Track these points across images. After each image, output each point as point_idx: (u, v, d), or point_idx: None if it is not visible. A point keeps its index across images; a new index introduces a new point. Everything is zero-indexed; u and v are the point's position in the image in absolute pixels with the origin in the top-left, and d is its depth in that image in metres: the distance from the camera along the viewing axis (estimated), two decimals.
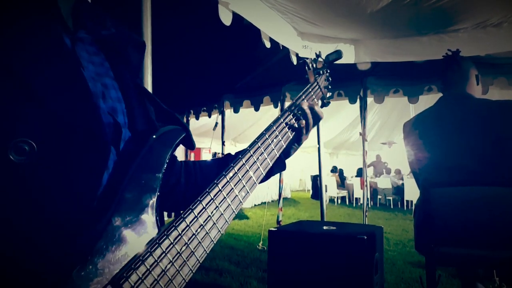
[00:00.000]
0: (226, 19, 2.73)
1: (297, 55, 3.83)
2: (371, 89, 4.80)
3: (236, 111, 5.85)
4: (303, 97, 1.00)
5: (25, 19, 0.63)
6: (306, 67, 1.11)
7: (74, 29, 0.74)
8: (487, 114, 2.08)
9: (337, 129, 12.25)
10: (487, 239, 1.92)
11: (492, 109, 2.08)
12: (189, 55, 4.50)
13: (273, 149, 0.85)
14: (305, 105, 0.95)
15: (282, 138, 0.89)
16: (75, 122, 0.62)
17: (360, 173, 11.99)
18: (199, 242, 0.66)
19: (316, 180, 12.30)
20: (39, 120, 0.58)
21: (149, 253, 0.59)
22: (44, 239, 0.57)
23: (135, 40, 0.85)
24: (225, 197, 0.72)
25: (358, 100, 4.85)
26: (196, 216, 0.66)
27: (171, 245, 0.62)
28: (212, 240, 0.68)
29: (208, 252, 0.68)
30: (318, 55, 1.13)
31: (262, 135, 0.85)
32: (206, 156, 12.91)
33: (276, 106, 5.36)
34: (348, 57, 4.07)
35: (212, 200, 0.69)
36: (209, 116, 6.76)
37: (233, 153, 0.91)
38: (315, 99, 1.04)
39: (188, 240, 0.64)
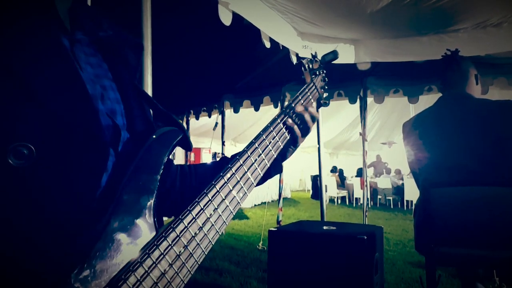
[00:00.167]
0: (226, 19, 2.73)
1: (297, 55, 3.82)
2: (371, 89, 4.80)
3: (236, 111, 5.85)
4: (300, 98, 1.00)
5: (23, 20, 0.62)
6: (303, 68, 1.11)
7: (72, 30, 0.74)
8: (487, 114, 2.08)
9: (337, 129, 12.25)
10: (487, 239, 1.92)
11: (492, 109, 2.08)
12: (189, 55, 4.50)
13: (271, 150, 0.85)
14: (299, 108, 0.95)
15: (279, 139, 0.89)
16: (74, 125, 0.62)
17: (360, 173, 11.99)
18: (198, 243, 0.66)
19: (316, 180, 12.30)
20: (37, 123, 0.58)
21: (147, 255, 0.59)
22: (43, 241, 0.57)
23: (132, 41, 0.85)
24: (223, 198, 0.72)
25: (358, 100, 4.85)
26: (194, 218, 0.66)
27: (169, 247, 0.62)
28: (210, 241, 0.68)
29: (206, 253, 0.67)
30: (314, 56, 1.13)
31: (259, 135, 0.85)
32: (206, 156, 12.91)
33: (276, 106, 5.36)
34: (348, 57, 4.07)
35: (210, 201, 0.69)
36: (209, 116, 6.76)
37: (231, 155, 0.91)
38: (312, 100, 1.04)
39: (186, 242, 0.64)
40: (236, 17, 2.82)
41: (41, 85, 0.60)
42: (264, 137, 0.85)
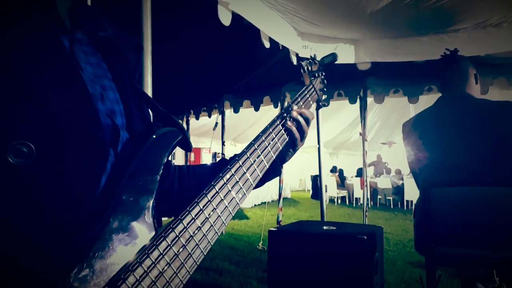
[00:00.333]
0: (225, 19, 2.73)
1: (297, 55, 3.83)
2: (371, 89, 4.80)
3: (236, 111, 5.85)
4: (299, 100, 1.00)
5: (23, 20, 0.62)
6: (302, 70, 1.12)
7: (71, 30, 0.74)
8: (486, 114, 2.08)
9: (337, 129, 12.25)
10: (487, 239, 1.92)
11: (492, 109, 2.08)
12: (189, 55, 4.50)
13: (270, 151, 0.86)
14: (298, 110, 0.95)
15: (278, 140, 0.89)
16: (74, 124, 0.62)
17: (360, 173, 11.99)
18: (197, 243, 0.66)
19: (316, 180, 12.30)
20: (37, 122, 0.58)
21: (146, 255, 0.59)
22: (43, 240, 0.57)
23: (132, 42, 0.85)
24: (222, 199, 0.72)
25: (358, 100, 4.85)
26: (193, 218, 0.66)
27: (169, 247, 0.62)
28: (209, 242, 0.68)
29: (205, 253, 0.67)
30: (313, 58, 1.14)
31: (258, 137, 0.85)
32: (206, 156, 12.91)
33: (276, 106, 5.37)
34: (348, 57, 4.07)
35: (209, 202, 0.69)
36: (209, 116, 6.77)
37: (231, 155, 0.91)
38: (311, 102, 1.04)
39: (185, 242, 0.64)
40: (235, 17, 2.82)
41: (41, 84, 0.60)
42: (263, 139, 0.85)
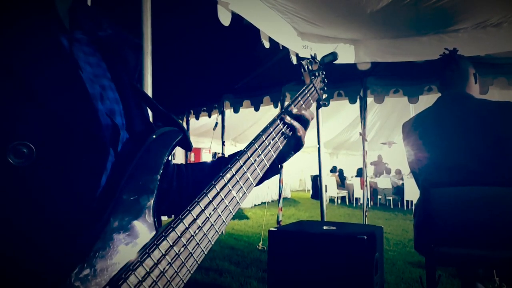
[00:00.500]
0: (225, 19, 2.73)
1: (297, 55, 3.83)
2: (371, 89, 4.80)
3: (236, 111, 5.85)
4: (299, 99, 1.00)
5: (23, 20, 0.62)
6: (302, 69, 1.11)
7: (71, 30, 0.74)
8: (486, 114, 2.08)
9: (337, 129, 12.26)
10: (487, 239, 1.92)
11: (492, 109, 2.08)
12: (189, 55, 4.51)
13: (270, 150, 0.86)
14: (298, 109, 0.95)
15: (278, 140, 0.89)
16: (73, 124, 0.62)
17: (360, 173, 11.99)
18: (197, 243, 0.66)
19: (316, 180, 12.31)
20: (37, 122, 0.58)
21: (147, 255, 0.59)
22: (43, 240, 0.57)
23: (132, 41, 0.85)
24: (223, 198, 0.72)
25: (358, 100, 4.85)
26: (194, 217, 0.66)
27: (170, 247, 0.62)
28: (210, 241, 0.68)
29: (206, 253, 0.68)
30: (313, 57, 1.14)
31: (259, 136, 0.85)
32: (206, 156, 12.91)
33: (276, 106, 5.37)
34: (348, 57, 4.07)
35: (210, 201, 0.69)
36: (209, 116, 6.77)
37: (229, 155, 0.91)
38: (311, 101, 1.04)
39: (186, 241, 0.64)
40: (235, 17, 2.82)
41: (41, 84, 0.60)
42: (264, 138, 0.85)
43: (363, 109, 4.79)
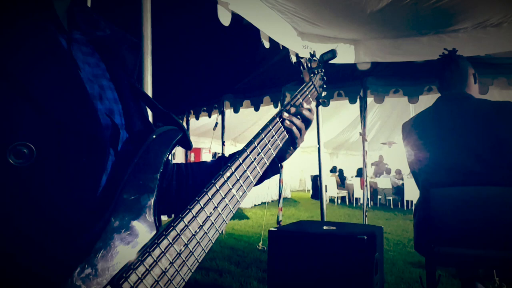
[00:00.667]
0: (225, 19, 2.73)
1: (297, 55, 3.83)
2: (371, 89, 4.80)
3: (236, 111, 5.85)
4: (299, 97, 1.00)
5: (21, 20, 0.62)
6: (301, 67, 1.11)
7: (69, 30, 0.74)
8: (486, 114, 2.08)
9: (337, 129, 12.26)
10: (487, 239, 1.92)
11: (491, 109, 2.08)
12: (189, 55, 4.52)
13: (270, 149, 0.86)
14: (298, 107, 0.95)
15: (278, 138, 0.89)
16: (73, 124, 0.62)
17: (360, 173, 11.99)
18: (198, 242, 0.66)
19: (316, 180, 12.31)
20: (37, 122, 0.58)
21: (148, 253, 0.60)
22: (44, 240, 0.57)
23: (130, 41, 0.85)
24: (223, 197, 0.72)
25: (358, 100, 4.85)
26: (194, 216, 0.66)
27: (170, 245, 0.62)
28: (211, 240, 0.69)
29: (206, 251, 0.68)
30: (312, 55, 1.14)
31: (258, 134, 0.85)
32: (206, 156, 12.91)
33: (276, 106, 5.37)
34: (348, 57, 4.07)
35: (209, 200, 0.69)
36: (209, 116, 6.77)
37: (229, 154, 0.91)
38: (311, 99, 1.04)
39: (186, 240, 0.64)
40: (235, 17, 2.82)
41: (40, 84, 0.60)
42: (263, 136, 0.85)
43: (363, 109, 4.79)
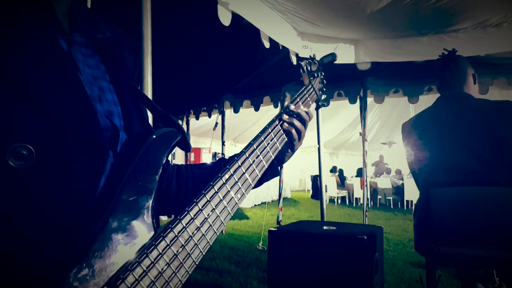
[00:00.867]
0: (225, 19, 2.73)
1: (297, 55, 3.83)
2: (371, 89, 4.80)
3: (236, 111, 5.85)
4: (298, 100, 1.00)
5: (21, 21, 0.62)
6: (301, 70, 1.12)
7: (69, 32, 0.74)
8: (486, 114, 2.07)
9: (337, 129, 12.26)
10: (487, 239, 1.92)
11: (491, 109, 2.08)
12: (189, 55, 4.52)
13: (269, 151, 0.86)
14: (297, 110, 0.95)
15: (277, 140, 0.89)
16: (72, 126, 0.62)
17: (360, 173, 11.99)
18: (196, 243, 0.66)
19: (316, 180, 12.31)
20: (37, 124, 0.58)
21: (145, 255, 0.59)
22: (43, 241, 0.57)
23: (130, 42, 0.85)
24: (221, 199, 0.72)
25: (358, 100, 4.85)
26: (192, 218, 0.66)
27: (168, 247, 0.62)
28: (208, 242, 0.68)
29: (204, 253, 0.68)
30: (312, 58, 1.14)
31: (257, 137, 0.85)
32: (206, 156, 12.92)
33: (276, 106, 5.37)
34: (348, 57, 4.07)
35: (208, 202, 0.69)
36: (209, 116, 6.77)
37: (231, 155, 0.91)
38: (310, 102, 1.04)
39: (184, 242, 0.64)
40: (235, 17, 2.82)
41: (40, 86, 0.60)
42: (262, 139, 0.85)
43: (363, 109, 4.79)
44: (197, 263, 0.66)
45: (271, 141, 0.87)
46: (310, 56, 1.15)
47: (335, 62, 1.18)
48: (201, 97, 6.35)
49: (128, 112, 0.77)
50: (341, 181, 12.82)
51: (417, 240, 2.17)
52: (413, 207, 2.80)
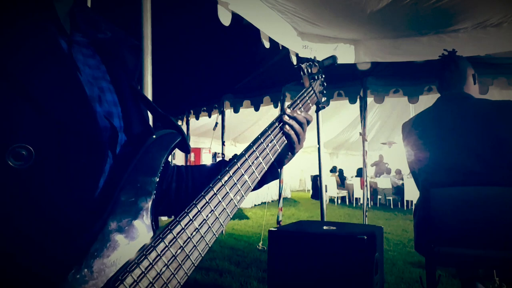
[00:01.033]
0: (225, 19, 2.73)
1: (297, 55, 3.83)
2: (371, 89, 4.80)
3: (236, 111, 5.85)
4: (298, 102, 1.00)
5: (21, 21, 0.62)
6: (301, 72, 1.12)
7: (70, 32, 0.74)
8: (486, 114, 2.07)
9: (337, 129, 12.26)
10: (487, 239, 1.92)
11: (491, 109, 2.08)
12: (189, 55, 4.51)
13: (268, 153, 0.86)
14: (297, 113, 0.95)
15: (277, 143, 0.89)
16: (72, 126, 0.62)
17: (360, 173, 11.99)
18: (194, 245, 0.66)
19: (316, 180, 12.31)
20: (36, 124, 0.59)
21: (144, 256, 0.59)
22: (42, 241, 0.57)
23: (131, 43, 0.85)
24: (220, 201, 0.72)
25: (358, 100, 4.85)
26: (191, 219, 0.66)
27: (166, 248, 0.62)
28: (207, 244, 0.68)
29: (203, 255, 0.68)
30: (313, 60, 1.14)
31: (257, 139, 0.85)
32: (206, 156, 12.92)
33: (276, 106, 5.37)
34: (348, 57, 4.07)
35: (207, 204, 0.69)
36: (209, 116, 6.77)
37: (231, 155, 0.91)
38: (310, 104, 1.04)
39: (183, 243, 0.64)
40: (235, 17, 2.82)
41: (40, 86, 0.60)
42: (262, 141, 0.85)
43: (363, 109, 4.79)
44: (196, 264, 0.66)
45: (270, 143, 0.87)
46: (310, 58, 1.15)
47: (335, 64, 1.18)
48: (201, 97, 6.35)
49: (128, 112, 0.77)
50: (341, 181, 12.82)
51: (417, 240, 2.17)
52: (413, 207, 2.80)
